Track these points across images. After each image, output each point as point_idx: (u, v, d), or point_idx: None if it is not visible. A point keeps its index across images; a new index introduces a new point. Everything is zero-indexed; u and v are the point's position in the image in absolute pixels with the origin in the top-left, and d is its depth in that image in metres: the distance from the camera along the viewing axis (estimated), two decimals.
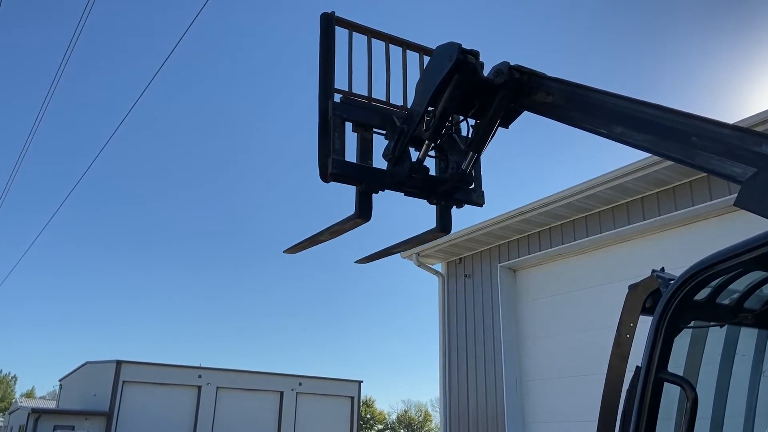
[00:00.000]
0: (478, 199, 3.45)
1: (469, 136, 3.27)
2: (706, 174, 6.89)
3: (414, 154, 3.27)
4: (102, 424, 35.52)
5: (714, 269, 1.95)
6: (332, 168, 3.09)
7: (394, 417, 78.23)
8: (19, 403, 43.44)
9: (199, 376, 39.99)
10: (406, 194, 3.34)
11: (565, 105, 2.87)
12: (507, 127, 3.19)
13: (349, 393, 46.40)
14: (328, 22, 3.41)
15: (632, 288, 2.31)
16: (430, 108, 3.09)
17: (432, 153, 3.32)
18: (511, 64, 2.98)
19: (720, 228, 7.19)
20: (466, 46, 2.90)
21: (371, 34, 3.56)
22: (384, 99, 3.55)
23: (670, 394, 2.06)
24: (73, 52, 12.05)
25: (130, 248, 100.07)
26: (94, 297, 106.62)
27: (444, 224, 3.48)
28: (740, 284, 2.19)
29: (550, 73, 2.98)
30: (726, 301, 2.24)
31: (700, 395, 2.32)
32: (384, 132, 3.40)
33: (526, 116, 3.15)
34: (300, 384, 43.69)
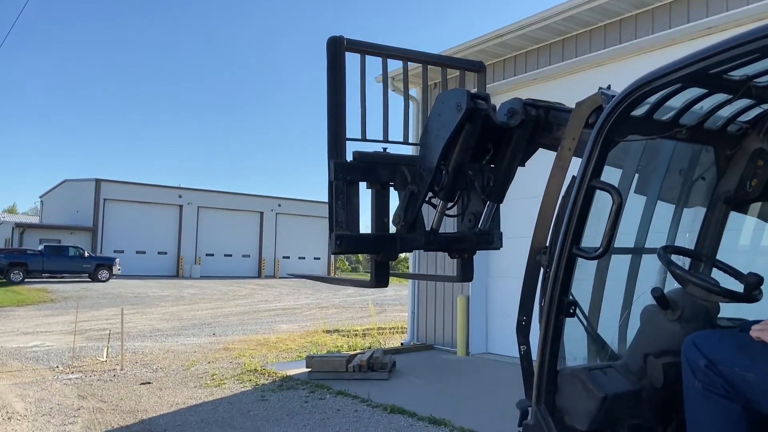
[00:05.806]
0: (496, 244, 3.11)
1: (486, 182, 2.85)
2: None
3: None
4: (88, 239, 36.81)
5: (653, 85, 2.02)
6: (335, 248, 2.74)
7: None
8: (2, 218, 44.38)
9: (180, 196, 40.91)
10: (425, 250, 3.05)
11: None
12: (524, 165, 2.82)
13: (328, 214, 48.13)
14: (337, 49, 2.76)
15: (578, 104, 2.39)
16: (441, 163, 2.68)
17: (450, 212, 2.95)
18: (524, 99, 2.60)
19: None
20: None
21: (386, 54, 3.00)
22: (402, 136, 3.09)
23: (605, 206, 2.22)
24: None
25: (107, 61, 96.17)
26: (71, 112, 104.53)
27: (465, 273, 3.20)
28: (677, 101, 2.28)
29: None
30: (663, 117, 2.35)
31: (631, 205, 2.52)
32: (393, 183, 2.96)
33: None
34: (279, 205, 45.11)
